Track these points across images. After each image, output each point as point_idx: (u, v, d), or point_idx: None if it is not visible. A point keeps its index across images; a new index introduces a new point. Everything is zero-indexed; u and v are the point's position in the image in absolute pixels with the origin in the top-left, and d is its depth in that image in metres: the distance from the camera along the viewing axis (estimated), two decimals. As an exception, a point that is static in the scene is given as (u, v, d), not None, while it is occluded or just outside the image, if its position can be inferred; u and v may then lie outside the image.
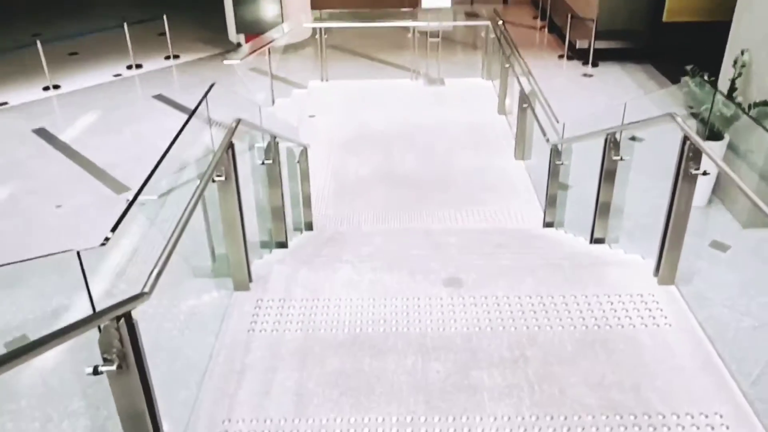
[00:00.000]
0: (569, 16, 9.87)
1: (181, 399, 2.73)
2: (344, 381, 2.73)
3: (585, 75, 9.53)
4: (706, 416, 2.49)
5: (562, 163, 5.10)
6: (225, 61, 7.76)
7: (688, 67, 6.06)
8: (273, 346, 2.93)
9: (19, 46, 10.03)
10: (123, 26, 9.81)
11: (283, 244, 4.30)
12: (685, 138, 2.92)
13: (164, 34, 10.38)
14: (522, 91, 6.44)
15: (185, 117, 3.46)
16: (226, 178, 2.98)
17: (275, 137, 3.98)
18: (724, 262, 5.03)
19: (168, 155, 3.33)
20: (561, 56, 10.26)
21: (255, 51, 7.81)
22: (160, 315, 3.26)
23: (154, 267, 1.98)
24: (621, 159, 3.91)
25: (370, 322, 3.07)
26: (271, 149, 3.90)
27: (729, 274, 4.74)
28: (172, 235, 2.11)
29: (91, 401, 3.30)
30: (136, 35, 10.25)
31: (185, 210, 2.26)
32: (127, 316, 1.77)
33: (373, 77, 9.58)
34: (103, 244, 1.94)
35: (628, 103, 4.16)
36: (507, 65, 7.46)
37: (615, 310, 3.10)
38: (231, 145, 3.02)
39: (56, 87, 9.27)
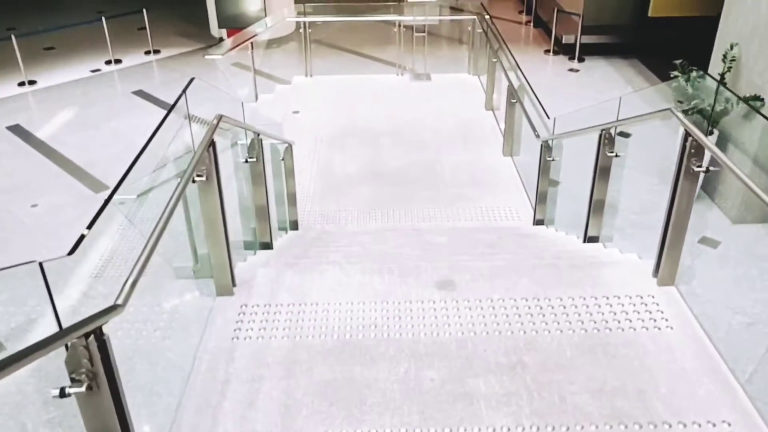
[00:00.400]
0: (555, 10, 9.79)
1: (160, 411, 2.57)
2: (334, 391, 2.59)
3: (571, 70, 9.47)
4: (714, 425, 2.39)
5: (553, 159, 5.00)
6: (206, 56, 7.57)
7: (677, 62, 5.99)
8: (258, 354, 2.78)
9: (-8, 40, 9.75)
10: (101, 20, 9.55)
11: (267, 245, 4.15)
12: (687, 134, 2.82)
13: (144, 28, 10.14)
14: (511, 86, 6.33)
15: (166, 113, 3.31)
16: (207, 178, 2.81)
17: (259, 134, 3.81)
18: (718, 259, 4.97)
19: (146, 153, 3.17)
20: (547, 51, 10.19)
21: (237, 46, 7.62)
22: (139, 321, 3.10)
23: (129, 275, 1.82)
24: (616, 155, 3.81)
25: (360, 328, 2.93)
26: (255, 146, 3.75)
27: (722, 271, 4.68)
28: (148, 241, 1.95)
29: (69, 410, 3.13)
30: (115, 29, 10.01)
31: (163, 214, 2.10)
32: (98, 332, 1.61)
33: (358, 72, 9.44)
34: (70, 253, 1.78)
35: (615, 98, 4.07)
36: (494, 60, 7.35)
37: (614, 313, 2.99)
38: (212, 143, 2.86)
39: (32, 83, 9.01)
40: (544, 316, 2.99)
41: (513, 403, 2.51)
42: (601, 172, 3.94)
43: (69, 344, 1.54)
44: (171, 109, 3.01)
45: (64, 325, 1.78)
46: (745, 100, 5.29)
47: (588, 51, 9.65)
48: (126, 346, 3.01)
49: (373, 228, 5.28)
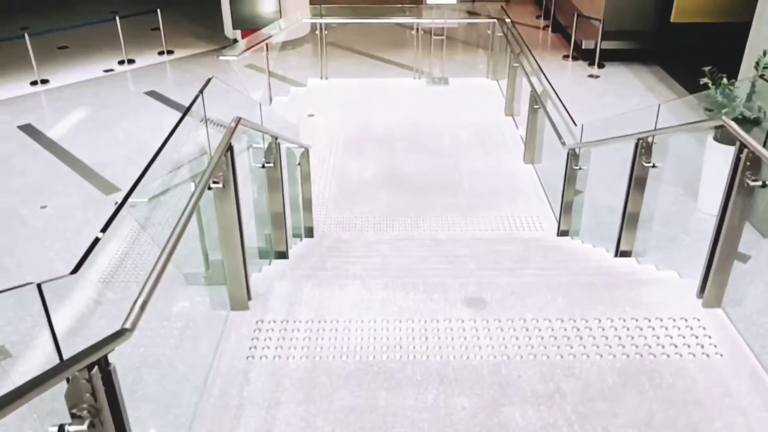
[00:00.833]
0: (575, 15, 9.58)
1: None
2: (357, 419, 2.39)
3: (591, 76, 9.28)
4: (777, 467, 2.17)
5: (580, 168, 4.79)
6: (221, 57, 7.44)
7: (706, 69, 5.75)
8: (275, 376, 2.58)
9: (7, 39, 9.65)
10: (115, 20, 9.44)
11: (283, 254, 3.96)
12: (742, 146, 2.60)
13: (158, 28, 10.01)
14: (534, 91, 6.13)
15: (179, 115, 3.15)
16: (223, 185, 2.63)
17: (277, 138, 3.63)
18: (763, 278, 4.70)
19: (160, 155, 3.00)
20: (566, 57, 10.00)
21: (252, 47, 7.48)
22: (146, 338, 2.92)
23: (139, 295, 1.63)
24: (653, 166, 3.59)
25: (384, 348, 2.73)
26: (272, 151, 3.56)
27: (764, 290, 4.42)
28: (160, 256, 1.76)
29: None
30: (129, 29, 9.90)
31: (175, 228, 1.91)
32: (103, 362, 1.42)
33: (374, 76, 9.27)
34: (74, 272, 1.60)
35: (641, 108, 3.88)
36: (516, 64, 7.15)
37: (658, 337, 2.77)
38: (230, 148, 2.67)
39: (44, 82, 8.92)
40: (581, 338, 2.77)
41: (552, 436, 2.31)
42: (637, 183, 3.72)
43: (70, 377, 1.35)
44: (187, 110, 2.83)
45: (65, 347, 1.61)
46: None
47: (608, 57, 9.45)
48: (130, 365, 2.84)
49: (391, 236, 5.10)
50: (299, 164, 4.72)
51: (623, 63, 9.53)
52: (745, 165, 2.59)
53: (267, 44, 7.86)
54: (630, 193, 3.78)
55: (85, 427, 1.38)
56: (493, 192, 5.88)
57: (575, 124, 4.97)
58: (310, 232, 5.00)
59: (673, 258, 3.42)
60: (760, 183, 2.57)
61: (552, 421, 2.37)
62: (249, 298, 3.02)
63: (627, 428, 2.33)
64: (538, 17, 12.31)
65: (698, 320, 2.86)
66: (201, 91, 3.00)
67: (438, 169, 6.28)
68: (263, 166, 3.57)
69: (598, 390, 2.50)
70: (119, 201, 2.53)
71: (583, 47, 9.59)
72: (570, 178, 4.86)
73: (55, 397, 1.37)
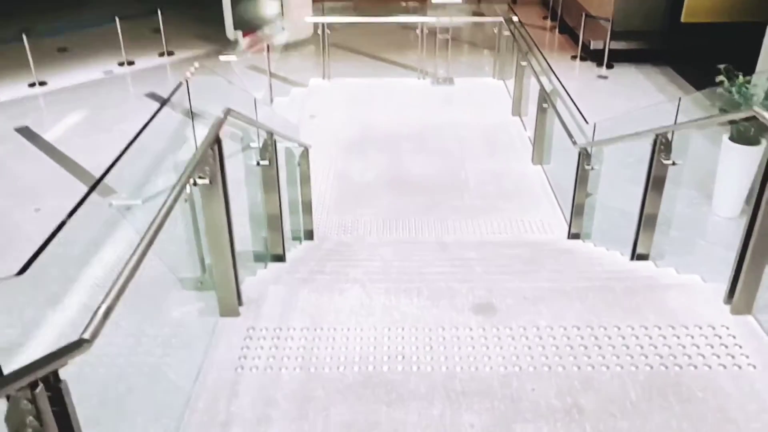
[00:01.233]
0: (583, 15, 9.39)
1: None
2: (355, 436, 2.18)
3: (600, 77, 9.10)
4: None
5: (592, 168, 4.57)
6: (222, 57, 7.31)
7: (722, 66, 5.53)
8: (266, 389, 2.37)
9: (5, 40, 9.52)
10: (115, 21, 9.29)
11: (279, 257, 3.76)
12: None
13: (158, 30, 9.86)
14: (543, 90, 5.93)
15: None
16: (210, 181, 2.42)
17: (272, 134, 3.43)
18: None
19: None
20: (574, 57, 9.83)
21: (253, 48, 7.32)
22: (126, 345, 2.71)
23: (102, 302, 1.43)
24: (673, 163, 3.37)
25: (386, 359, 2.51)
26: (268, 148, 3.36)
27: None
28: (129, 260, 1.56)
29: None
30: (129, 31, 9.75)
31: (150, 227, 1.70)
32: (52, 378, 1.22)
33: (377, 76, 9.09)
34: (19, 273, 1.40)
35: (651, 107, 3.68)
36: (524, 63, 6.95)
37: (683, 346, 2.55)
38: (218, 141, 2.47)
39: (42, 84, 8.79)
40: (600, 348, 2.55)
41: (570, 457, 2.09)
42: (655, 182, 3.50)
43: (10, 396, 1.15)
44: (168, 98, 2.63)
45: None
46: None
47: (617, 57, 9.28)
48: (103, 377, 2.63)
49: (394, 239, 4.91)
50: (299, 164, 4.52)
51: (632, 64, 9.35)
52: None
53: (269, 45, 7.71)
54: (648, 192, 3.56)
55: (29, 455, 1.17)
56: (501, 193, 5.68)
57: (587, 122, 4.76)
58: (309, 235, 4.81)
59: (691, 262, 3.21)
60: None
61: (570, 440, 2.15)
62: (240, 304, 2.81)
63: (653, 448, 2.11)
64: (544, 18, 12.14)
65: (727, 328, 2.63)
66: (179, 85, 2.80)
67: (443, 170, 6.10)
68: (258, 164, 3.37)
69: (619, 405, 2.27)
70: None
71: (591, 48, 9.42)
72: (581, 178, 4.65)
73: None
